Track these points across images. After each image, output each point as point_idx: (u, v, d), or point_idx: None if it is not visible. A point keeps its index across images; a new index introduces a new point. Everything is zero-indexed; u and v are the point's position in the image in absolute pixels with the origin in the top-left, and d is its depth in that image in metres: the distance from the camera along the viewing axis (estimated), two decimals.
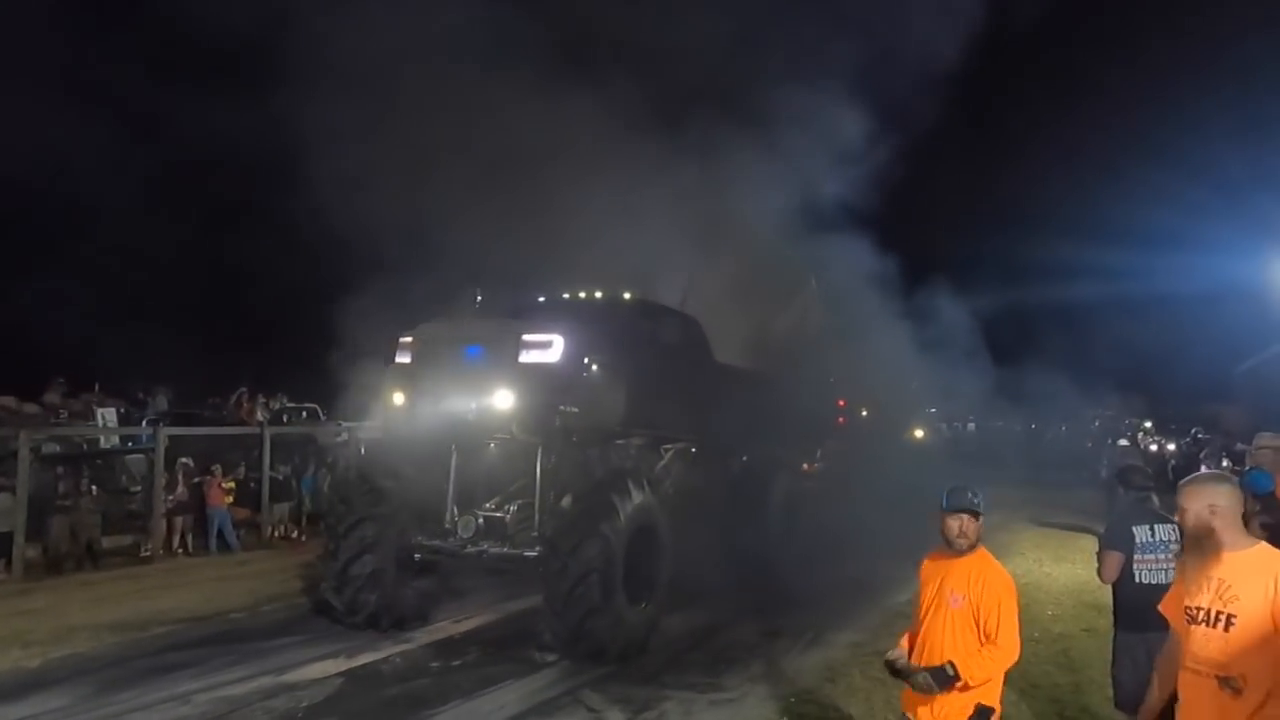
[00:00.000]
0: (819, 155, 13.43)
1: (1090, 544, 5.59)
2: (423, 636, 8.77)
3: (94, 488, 12.86)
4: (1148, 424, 31.23)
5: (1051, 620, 9.12)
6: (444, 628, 9.09)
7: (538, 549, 8.26)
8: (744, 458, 11.39)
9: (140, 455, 14.44)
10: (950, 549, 3.93)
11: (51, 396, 15.52)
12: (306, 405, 20.83)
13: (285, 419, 18.62)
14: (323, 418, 20.45)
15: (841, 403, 14.69)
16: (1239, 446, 12.90)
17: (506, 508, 8.73)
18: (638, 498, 8.27)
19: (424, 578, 9.17)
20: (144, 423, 16.02)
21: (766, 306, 12.69)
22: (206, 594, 10.64)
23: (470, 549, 8.59)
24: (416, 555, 8.92)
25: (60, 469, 12.91)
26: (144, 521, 13.36)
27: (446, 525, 8.78)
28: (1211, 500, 3.21)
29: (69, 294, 22.12)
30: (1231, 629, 3.03)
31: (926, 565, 4.11)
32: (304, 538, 14.80)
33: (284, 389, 20.38)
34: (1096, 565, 5.41)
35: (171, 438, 13.86)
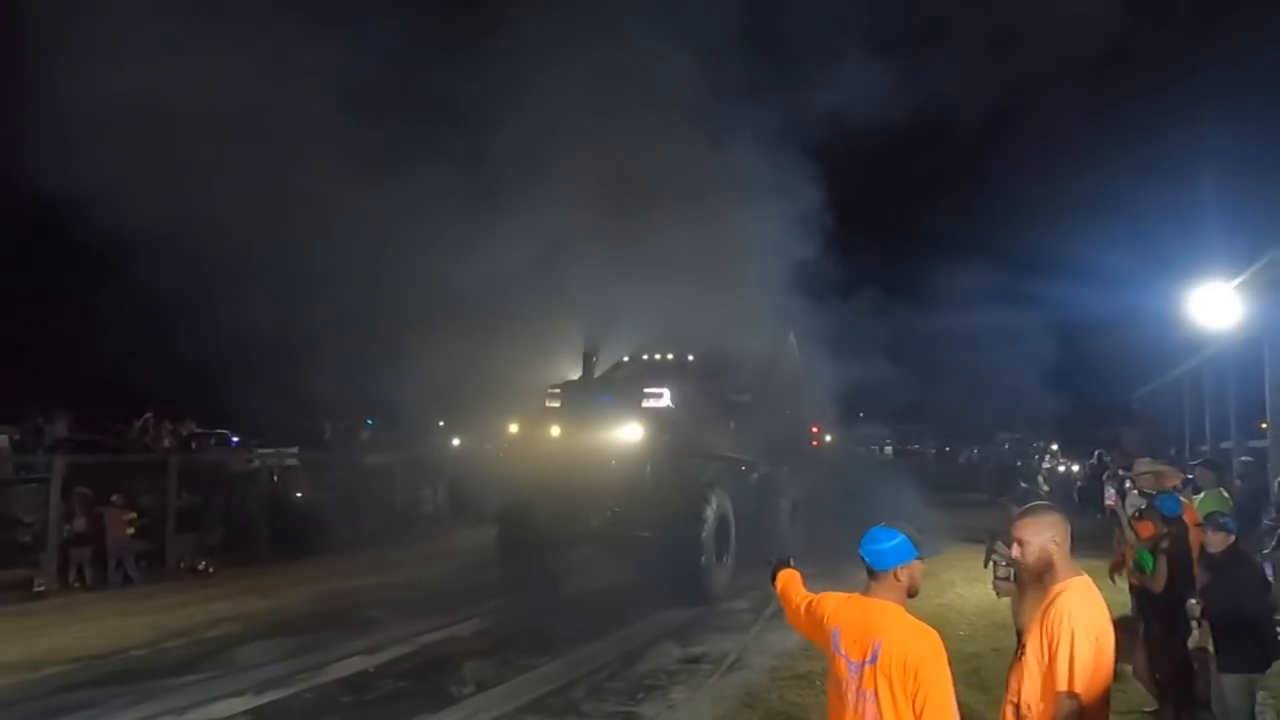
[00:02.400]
0: (779, 219, 15.73)
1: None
2: (336, 670, 8.51)
3: None
4: (1054, 446, 32.37)
5: (963, 640, 9.31)
6: (357, 661, 8.83)
7: (648, 532, 11.55)
8: (759, 473, 14.69)
9: (35, 484, 13.74)
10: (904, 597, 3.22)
11: None
12: (217, 431, 20.19)
13: (193, 445, 17.99)
14: (233, 443, 19.86)
15: (816, 429, 18.41)
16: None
17: (624, 502, 12.05)
18: (721, 496, 12.18)
19: (564, 553, 12.54)
20: (40, 450, 15.27)
21: (762, 355, 15.83)
22: (105, 631, 10.16)
23: (607, 533, 12.14)
24: (562, 537, 12.28)
25: None
26: (38, 554, 12.69)
27: (583, 516, 12.13)
28: (1054, 533, 3.15)
29: None
30: (1022, 657, 3.13)
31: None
32: (212, 570, 14.25)
33: (193, 414, 19.71)
34: (995, 590, 5.52)
35: (70, 465, 13.24)
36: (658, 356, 14.42)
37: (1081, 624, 2.97)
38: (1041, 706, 3.02)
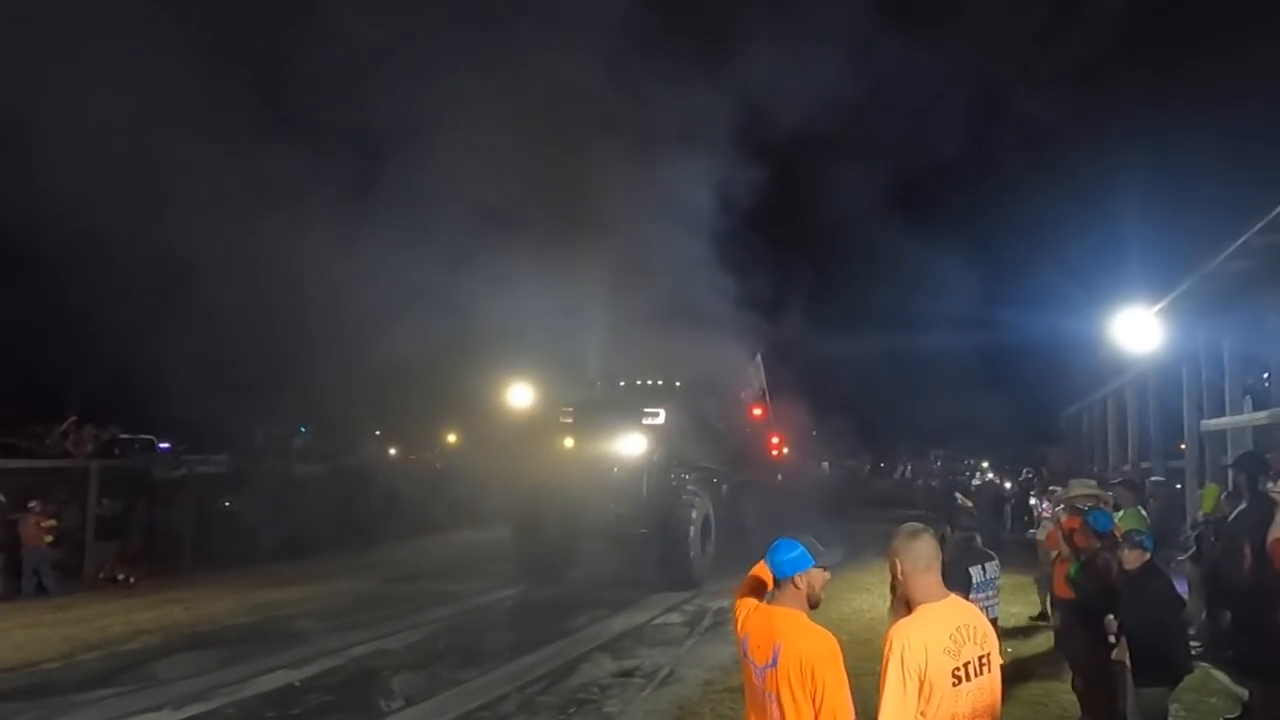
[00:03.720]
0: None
1: None
2: (260, 684, 8.29)
3: None
4: (985, 464, 33.12)
5: None
6: (282, 675, 8.60)
7: (645, 529, 13.63)
8: (729, 483, 16.66)
9: None
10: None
11: None
12: (142, 437, 19.62)
13: (116, 451, 17.43)
14: (162, 449, 19.31)
15: (778, 440, 20.40)
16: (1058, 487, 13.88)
17: (625, 505, 13.93)
18: (704, 500, 14.36)
19: (574, 546, 14.63)
20: None
21: (733, 379, 18.29)
22: (16, 643, 9.77)
23: (609, 530, 14.02)
24: (573, 534, 14.26)
25: None
26: None
27: (589, 515, 13.87)
28: (905, 556, 3.17)
29: None
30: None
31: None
32: (132, 580, 13.78)
33: (119, 419, 19.11)
34: None
35: None
36: (649, 381, 16.73)
37: (898, 655, 2.94)
38: None
